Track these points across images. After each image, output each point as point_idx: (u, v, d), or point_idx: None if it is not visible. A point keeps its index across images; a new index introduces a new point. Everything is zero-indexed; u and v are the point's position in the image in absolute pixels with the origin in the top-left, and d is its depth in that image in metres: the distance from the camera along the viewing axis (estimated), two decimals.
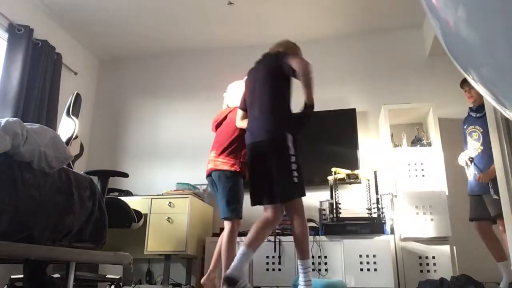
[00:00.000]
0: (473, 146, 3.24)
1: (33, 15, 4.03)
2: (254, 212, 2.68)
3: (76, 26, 4.50)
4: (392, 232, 3.41)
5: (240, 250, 2.26)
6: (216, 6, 4.09)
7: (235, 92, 3.14)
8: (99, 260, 2.29)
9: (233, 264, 2.22)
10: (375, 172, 3.61)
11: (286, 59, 2.43)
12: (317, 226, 3.58)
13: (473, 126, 3.27)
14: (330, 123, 4.23)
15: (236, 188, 2.78)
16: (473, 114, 3.29)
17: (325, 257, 3.41)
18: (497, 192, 2.99)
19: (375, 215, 3.49)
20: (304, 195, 2.34)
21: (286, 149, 2.31)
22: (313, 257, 3.41)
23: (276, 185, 2.31)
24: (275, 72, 2.49)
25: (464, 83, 3.34)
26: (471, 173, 3.23)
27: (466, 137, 3.33)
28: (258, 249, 2.27)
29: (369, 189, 3.65)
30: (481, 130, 3.16)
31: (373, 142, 4.19)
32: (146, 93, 4.96)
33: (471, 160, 3.23)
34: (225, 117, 3.04)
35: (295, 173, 2.29)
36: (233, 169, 2.78)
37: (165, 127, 4.75)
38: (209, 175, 2.91)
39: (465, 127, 3.36)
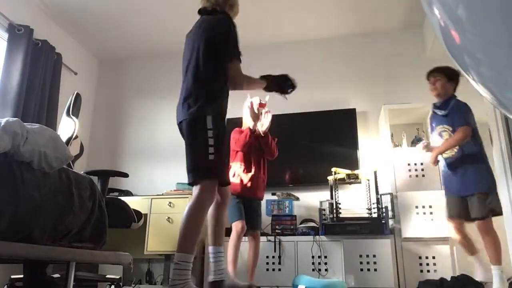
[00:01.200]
0: None
1: (33, 15, 4.03)
2: None
3: (76, 26, 4.49)
4: (392, 232, 3.41)
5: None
6: None
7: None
8: (99, 260, 2.29)
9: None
10: (375, 172, 3.61)
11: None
12: (317, 226, 3.58)
13: (441, 126, 3.05)
14: (330, 123, 4.24)
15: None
16: (439, 112, 3.06)
17: (325, 257, 3.41)
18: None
19: (375, 215, 3.49)
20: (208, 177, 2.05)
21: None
22: (313, 257, 3.42)
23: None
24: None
25: (430, 74, 3.13)
26: (444, 172, 3.08)
27: (435, 136, 3.13)
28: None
29: (369, 189, 3.65)
30: (451, 129, 2.97)
31: (373, 142, 4.19)
32: (146, 93, 4.96)
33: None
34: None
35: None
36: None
37: (165, 127, 4.74)
38: None
39: (433, 125, 3.13)
